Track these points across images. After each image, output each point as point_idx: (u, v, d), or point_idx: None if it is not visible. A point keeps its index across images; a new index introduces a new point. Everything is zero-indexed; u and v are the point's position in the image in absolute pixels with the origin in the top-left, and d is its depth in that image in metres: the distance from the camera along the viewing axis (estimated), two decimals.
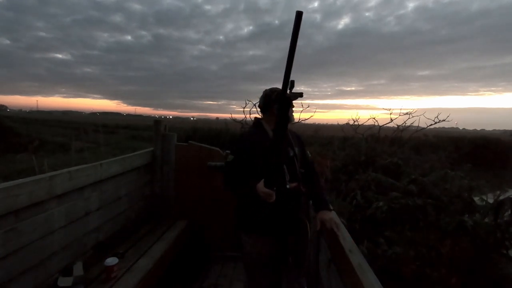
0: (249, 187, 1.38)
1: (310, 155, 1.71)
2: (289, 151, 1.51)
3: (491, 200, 2.59)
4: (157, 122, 2.94)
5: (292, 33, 1.09)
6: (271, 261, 1.50)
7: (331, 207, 1.58)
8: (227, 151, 2.95)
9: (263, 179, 1.31)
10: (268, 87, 1.61)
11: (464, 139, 13.87)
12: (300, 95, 1.38)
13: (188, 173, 2.91)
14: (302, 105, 7.02)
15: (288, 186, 1.39)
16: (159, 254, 2.12)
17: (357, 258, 1.19)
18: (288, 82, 1.20)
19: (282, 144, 1.26)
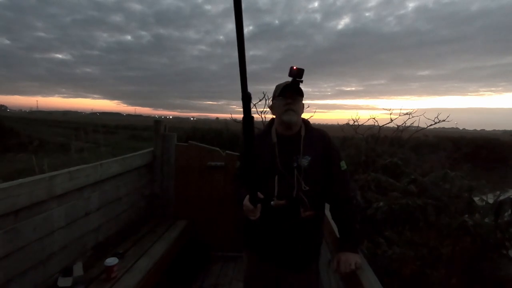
0: (239, 199, 1.19)
1: (344, 167, 1.29)
2: (292, 160, 1.22)
3: (491, 200, 2.58)
4: (157, 122, 2.95)
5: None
6: (264, 279, 1.36)
7: (356, 247, 1.24)
8: (228, 151, 2.96)
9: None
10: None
11: (464, 139, 13.88)
12: (297, 79, 1.16)
13: (188, 173, 2.91)
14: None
15: (272, 203, 1.17)
16: (159, 254, 2.12)
17: None
18: (245, 71, 0.80)
19: (251, 150, 0.95)
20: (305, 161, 1.22)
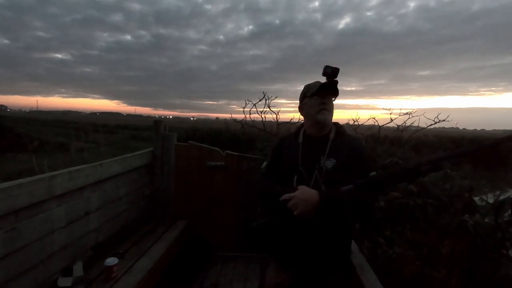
0: (273, 195, 1.16)
1: (374, 174, 1.19)
2: (316, 161, 1.19)
3: (491, 200, 2.58)
4: (157, 122, 2.95)
5: None
6: None
7: (329, 198, 1.10)
8: (228, 151, 2.96)
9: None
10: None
11: (464, 139, 13.85)
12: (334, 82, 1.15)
13: (188, 173, 2.91)
14: None
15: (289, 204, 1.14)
16: (159, 254, 2.12)
17: (357, 258, 1.19)
18: None
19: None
20: (329, 163, 1.17)
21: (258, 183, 1.35)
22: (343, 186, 1.10)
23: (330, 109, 1.22)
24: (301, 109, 1.33)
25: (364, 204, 1.17)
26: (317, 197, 1.07)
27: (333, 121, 1.31)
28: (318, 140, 1.25)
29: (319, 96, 1.22)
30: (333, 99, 1.25)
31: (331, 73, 1.14)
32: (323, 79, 1.19)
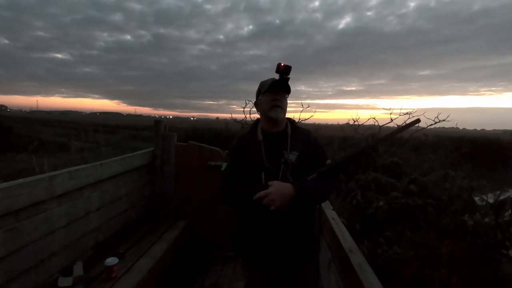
0: (248, 193, 1.17)
1: (330, 161, 1.26)
2: (280, 156, 1.23)
3: (491, 200, 2.58)
4: (157, 122, 2.94)
5: None
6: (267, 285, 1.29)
7: (303, 189, 1.15)
8: (228, 151, 2.95)
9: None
10: None
11: (464, 139, 13.85)
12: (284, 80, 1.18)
13: (188, 173, 2.91)
14: (302, 105, 7.02)
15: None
16: (159, 254, 2.12)
17: (357, 258, 1.19)
18: None
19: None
20: (292, 156, 1.23)
21: (221, 185, 1.33)
22: (308, 176, 1.16)
23: (282, 106, 1.26)
24: (257, 105, 1.34)
25: (328, 189, 1.26)
26: (292, 189, 1.12)
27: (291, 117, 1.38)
28: (277, 136, 1.29)
29: (271, 93, 1.25)
30: (286, 96, 1.29)
31: (283, 70, 1.18)
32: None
